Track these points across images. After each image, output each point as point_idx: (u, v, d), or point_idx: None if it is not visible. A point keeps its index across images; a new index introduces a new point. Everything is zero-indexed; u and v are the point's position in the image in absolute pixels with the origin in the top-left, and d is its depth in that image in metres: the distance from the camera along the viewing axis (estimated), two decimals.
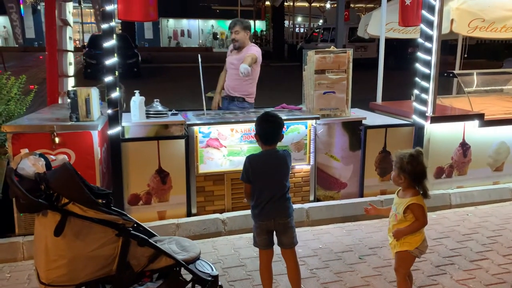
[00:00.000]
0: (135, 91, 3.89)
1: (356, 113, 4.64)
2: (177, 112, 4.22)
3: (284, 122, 4.02)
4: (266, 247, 2.81)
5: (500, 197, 4.73)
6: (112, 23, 3.59)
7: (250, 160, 2.78)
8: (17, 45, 29.20)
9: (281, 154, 2.80)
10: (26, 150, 2.22)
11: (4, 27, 32.91)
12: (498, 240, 3.82)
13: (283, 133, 2.85)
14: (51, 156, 2.31)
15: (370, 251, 3.64)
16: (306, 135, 4.18)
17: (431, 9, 4.27)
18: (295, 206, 4.12)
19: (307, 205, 4.19)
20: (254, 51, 4.68)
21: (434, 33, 4.29)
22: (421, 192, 2.62)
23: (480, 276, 3.25)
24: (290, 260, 2.83)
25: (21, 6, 27.79)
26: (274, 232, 2.81)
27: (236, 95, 4.80)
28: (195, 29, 40.10)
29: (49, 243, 2.09)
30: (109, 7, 3.55)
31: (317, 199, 4.37)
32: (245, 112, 4.45)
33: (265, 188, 2.73)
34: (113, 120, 3.67)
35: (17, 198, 2.04)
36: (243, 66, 4.28)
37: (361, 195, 4.48)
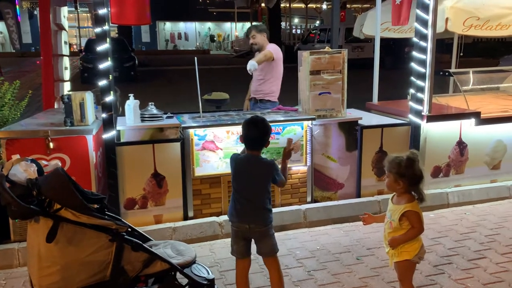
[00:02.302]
0: (129, 95, 3.88)
1: (352, 113, 4.63)
2: (172, 115, 4.20)
3: (280, 123, 4.07)
4: (242, 256, 2.75)
5: (498, 195, 4.72)
6: (106, 27, 3.58)
7: (234, 158, 2.76)
8: (14, 51, 29.20)
9: (263, 162, 2.70)
10: (18, 156, 2.21)
11: (1, 32, 32.93)
12: (496, 239, 3.81)
13: (269, 140, 2.75)
14: (43, 162, 2.30)
15: (367, 252, 3.62)
16: (303, 136, 4.17)
17: (425, 8, 4.26)
18: (292, 207, 4.13)
19: (304, 206, 4.18)
20: (270, 48, 4.88)
21: (429, 32, 4.28)
22: (417, 197, 2.53)
23: (478, 275, 3.23)
24: (271, 269, 2.75)
25: (18, 10, 27.79)
26: (253, 240, 2.75)
27: (259, 97, 5.02)
28: (192, 31, 40.15)
29: (41, 249, 2.07)
30: (102, 11, 3.53)
31: (314, 200, 4.35)
32: (241, 113, 4.46)
33: (241, 191, 2.69)
34: (108, 124, 3.66)
35: (8, 205, 2.02)
36: (250, 63, 4.58)
37: (359, 196, 4.47)
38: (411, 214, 2.49)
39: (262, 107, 4.93)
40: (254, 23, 5.17)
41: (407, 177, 2.49)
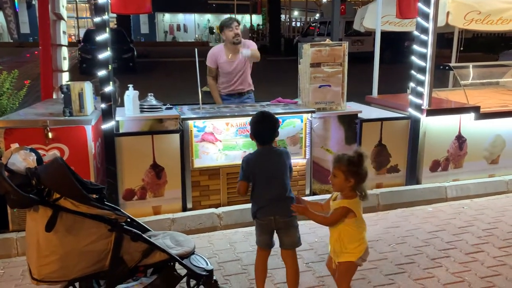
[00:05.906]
0: (128, 85, 3.86)
1: (351, 107, 4.62)
2: (171, 106, 4.19)
3: (280, 115, 4.05)
4: (268, 246, 2.77)
5: (495, 189, 4.74)
6: (105, 16, 3.55)
7: (247, 161, 2.72)
8: (12, 40, 29.05)
9: (278, 152, 2.74)
10: (17, 145, 2.19)
11: None
12: (494, 233, 3.83)
13: (278, 131, 2.78)
14: (42, 152, 2.28)
15: None
16: (302, 128, 4.16)
17: (426, 1, 4.24)
18: None
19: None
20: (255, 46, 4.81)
21: (430, 26, 4.26)
22: (359, 195, 2.46)
23: (475, 269, 3.25)
24: (289, 262, 2.74)
25: (16, 1, 27.61)
26: (276, 233, 2.74)
27: (247, 89, 4.89)
28: (191, 23, 39.97)
29: (40, 238, 2.07)
30: (101, 0, 3.50)
31: (313, 193, 4.36)
32: (241, 106, 4.45)
33: (265, 188, 2.68)
34: (107, 114, 3.64)
35: (7, 194, 2.01)
36: (246, 51, 4.63)
37: None
38: (341, 209, 2.43)
39: (251, 97, 4.94)
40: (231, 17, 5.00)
41: (358, 174, 2.42)
